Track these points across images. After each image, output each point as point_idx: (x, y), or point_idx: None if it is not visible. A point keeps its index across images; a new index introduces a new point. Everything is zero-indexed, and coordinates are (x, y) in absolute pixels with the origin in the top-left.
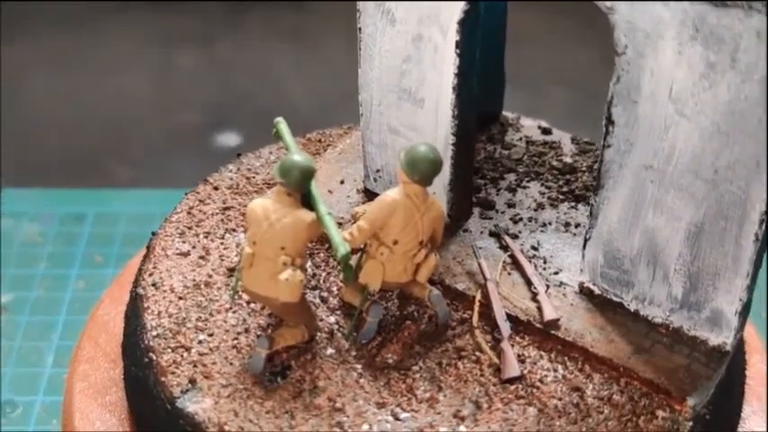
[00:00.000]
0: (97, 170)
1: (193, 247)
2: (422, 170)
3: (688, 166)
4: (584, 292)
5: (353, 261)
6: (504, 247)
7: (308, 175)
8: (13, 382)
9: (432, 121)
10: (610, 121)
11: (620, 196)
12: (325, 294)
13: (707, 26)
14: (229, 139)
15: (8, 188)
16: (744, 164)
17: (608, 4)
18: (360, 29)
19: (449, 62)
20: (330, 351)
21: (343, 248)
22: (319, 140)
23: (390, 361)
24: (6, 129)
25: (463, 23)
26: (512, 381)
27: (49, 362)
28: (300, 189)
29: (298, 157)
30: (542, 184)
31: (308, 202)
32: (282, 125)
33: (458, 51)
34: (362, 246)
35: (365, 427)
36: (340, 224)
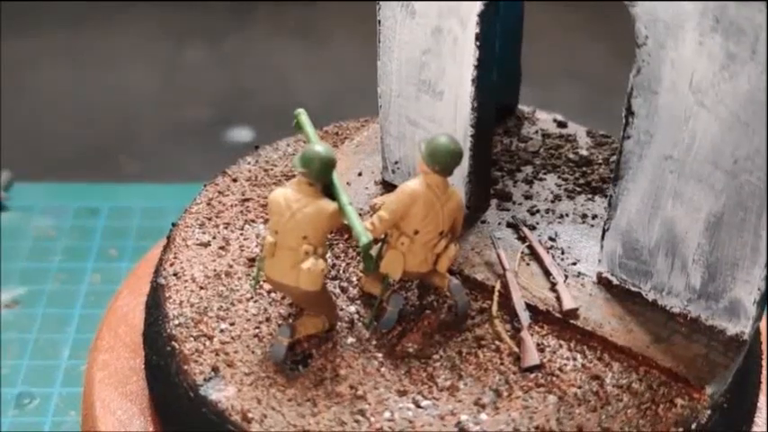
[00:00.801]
0: (107, 164)
1: (213, 238)
2: (443, 160)
3: (707, 156)
4: (603, 282)
5: (374, 251)
6: (522, 238)
7: (329, 165)
8: (30, 375)
9: (451, 113)
10: (630, 112)
11: (640, 187)
12: (345, 284)
13: (727, 17)
14: (238, 134)
15: (19, 182)
16: (763, 154)
17: None
18: (379, 21)
19: (468, 54)
20: (351, 340)
21: (365, 237)
22: (336, 133)
23: (411, 350)
24: (16, 123)
25: (483, 15)
26: (531, 369)
27: (65, 354)
28: (322, 179)
29: (319, 147)
30: (559, 176)
31: (329, 192)
32: (303, 116)
33: (477, 44)
34: (383, 236)
35: (387, 414)
36: (360, 215)
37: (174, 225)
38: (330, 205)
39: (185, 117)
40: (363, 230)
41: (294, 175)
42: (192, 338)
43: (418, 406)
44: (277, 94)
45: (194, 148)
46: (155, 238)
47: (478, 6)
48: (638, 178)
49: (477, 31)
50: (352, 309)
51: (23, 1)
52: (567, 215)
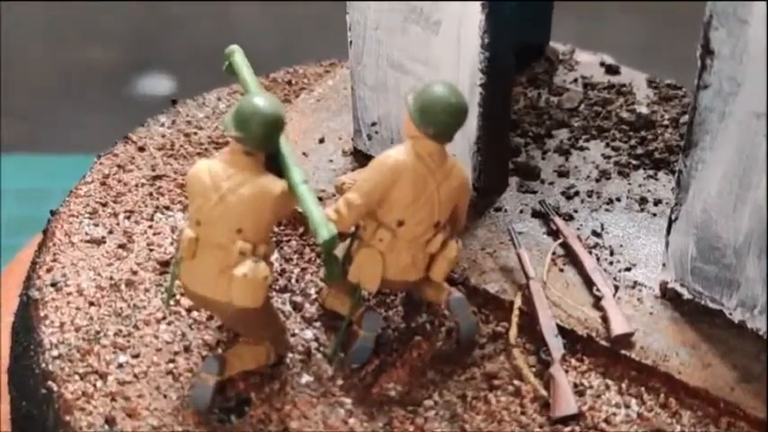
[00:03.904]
0: None
1: (110, 232)
2: (439, 120)
3: None
4: (669, 295)
5: (340, 250)
6: (554, 233)
7: (274, 126)
8: None
9: (452, 52)
10: (708, 52)
11: (722, 159)
12: (299, 299)
13: None
14: (156, 83)
15: None
16: None
17: None
18: None
19: None
20: (306, 379)
21: (325, 231)
22: (289, 82)
23: (393, 393)
24: None
25: None
26: (566, 420)
27: None
28: (265, 147)
29: (260, 100)
30: (607, 145)
31: (275, 165)
32: (238, 55)
33: None
34: (353, 228)
35: None
36: (320, 199)
37: (53, 213)
38: (275, 184)
39: (80, 61)
40: (323, 221)
41: (227, 143)
42: (77, 377)
43: None
44: (208, 28)
45: (92, 105)
46: (34, 230)
47: None
48: (719, 146)
49: None
50: (309, 334)
51: None
52: (618, 200)
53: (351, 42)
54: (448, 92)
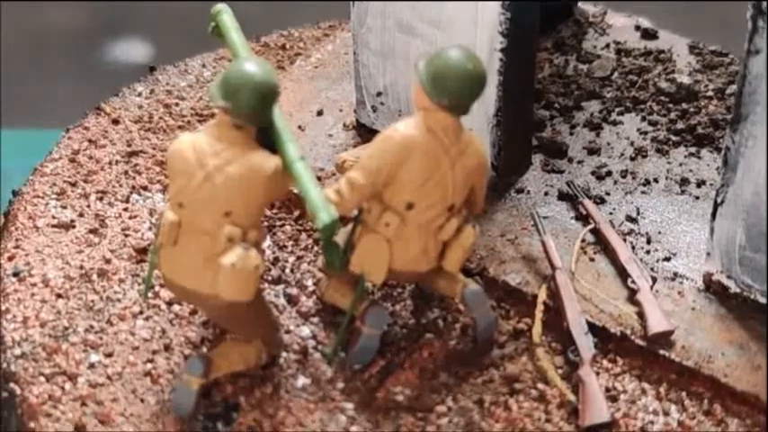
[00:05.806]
0: None
1: (80, 215)
2: (454, 90)
3: None
4: (714, 288)
5: (342, 237)
6: (584, 218)
7: (267, 95)
8: None
9: (468, 12)
10: (759, 12)
11: None
12: (294, 291)
13: None
14: (131, 49)
15: None
16: None
17: None
18: None
19: None
20: (303, 381)
21: (325, 215)
22: (283, 46)
23: (401, 398)
24: None
25: None
26: (597, 429)
27: None
28: (256, 120)
29: (251, 66)
30: (644, 119)
31: (267, 140)
32: (226, 15)
33: None
34: (356, 212)
35: None
36: (319, 179)
37: (15, 194)
38: (269, 162)
39: (48, 24)
40: (324, 203)
41: (212, 115)
42: (43, 378)
43: None
44: None
45: (57, 74)
46: None
47: None
48: None
49: None
50: (306, 331)
51: None
52: (655, 181)
53: (353, 2)
54: (464, 57)
